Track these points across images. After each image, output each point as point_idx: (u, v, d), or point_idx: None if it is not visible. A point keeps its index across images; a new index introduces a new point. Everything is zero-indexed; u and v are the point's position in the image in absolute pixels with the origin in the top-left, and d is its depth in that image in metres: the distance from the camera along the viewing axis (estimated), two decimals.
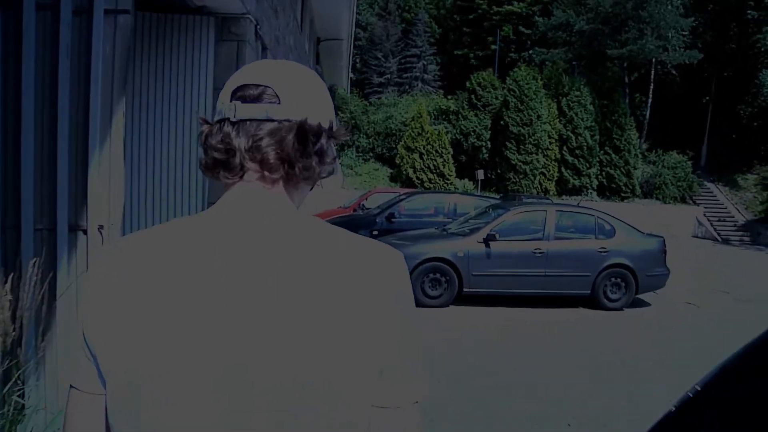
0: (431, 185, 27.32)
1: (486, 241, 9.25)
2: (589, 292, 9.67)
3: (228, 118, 0.95)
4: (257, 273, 0.87)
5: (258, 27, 9.29)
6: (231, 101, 0.96)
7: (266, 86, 0.95)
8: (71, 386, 0.94)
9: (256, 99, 0.95)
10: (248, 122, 0.94)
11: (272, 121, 0.94)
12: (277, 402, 0.83)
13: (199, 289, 0.86)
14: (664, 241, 10.34)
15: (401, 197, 13.46)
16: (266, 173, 0.94)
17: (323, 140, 0.97)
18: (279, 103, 0.94)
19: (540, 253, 9.40)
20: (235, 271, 0.87)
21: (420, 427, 0.95)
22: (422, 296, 9.05)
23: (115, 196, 3.94)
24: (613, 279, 9.73)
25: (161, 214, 7.98)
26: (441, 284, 9.14)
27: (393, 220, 12.22)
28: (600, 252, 9.66)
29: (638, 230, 10.37)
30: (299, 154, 0.94)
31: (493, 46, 49.04)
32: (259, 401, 0.83)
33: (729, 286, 13.20)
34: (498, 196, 23.95)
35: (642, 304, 10.32)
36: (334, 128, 1.00)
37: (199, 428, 0.83)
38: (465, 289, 9.20)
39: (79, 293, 1.15)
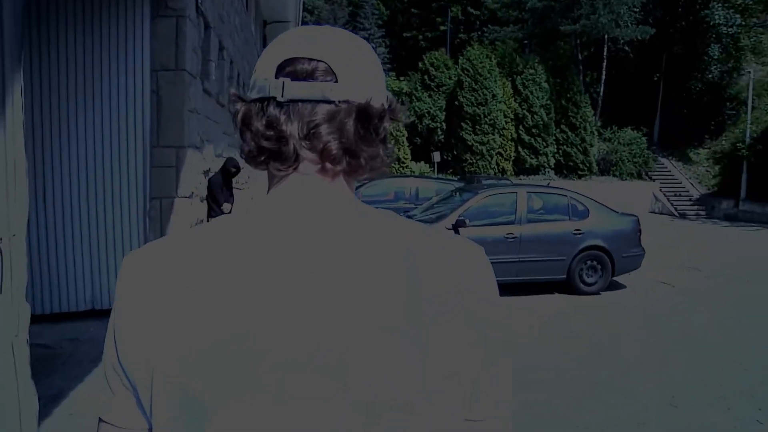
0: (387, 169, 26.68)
1: (455, 228, 8.61)
2: (564, 276, 9.16)
3: (274, 98, 0.80)
4: (333, 277, 0.74)
5: (199, 2, 8.44)
6: (277, 77, 0.80)
7: (320, 60, 0.80)
8: (102, 420, 0.82)
9: (310, 76, 0.80)
10: (300, 103, 0.80)
11: (329, 102, 0.79)
12: (358, 414, 0.72)
13: (269, 299, 0.74)
14: (638, 220, 9.89)
15: (358, 184, 12.75)
16: (328, 165, 0.80)
17: (386, 123, 0.84)
18: (336, 81, 0.80)
19: (512, 238, 8.82)
20: (309, 276, 0.75)
21: None
22: None
23: (19, 202, 3.15)
24: (588, 262, 9.23)
25: (91, 218, 7.11)
26: None
27: None
28: (575, 234, 9.14)
29: (612, 210, 9.89)
30: (363, 142, 0.81)
31: (442, 27, 48.83)
32: (341, 413, 0.72)
33: (697, 262, 13.09)
34: (456, 178, 23.45)
35: (618, 286, 9.86)
36: (394, 107, 0.85)
37: None
38: None
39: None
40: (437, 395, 0.75)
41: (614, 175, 30.07)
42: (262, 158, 0.82)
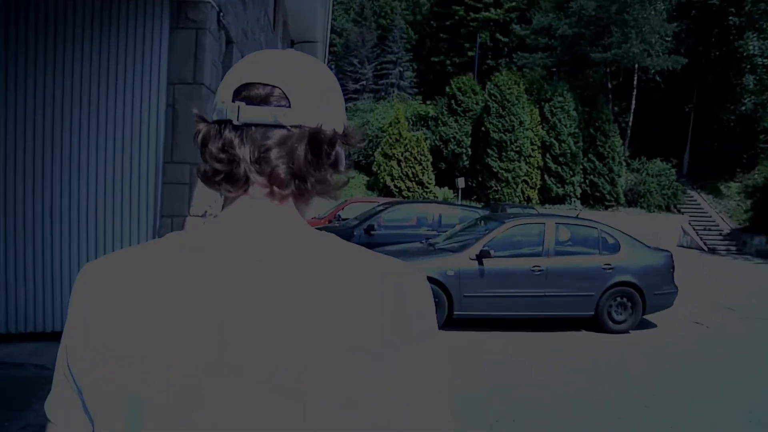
0: (410, 194, 26.25)
1: (479, 258, 8.20)
2: (592, 313, 8.67)
3: (230, 121, 0.83)
4: (267, 295, 0.77)
5: (221, 15, 8.18)
6: (233, 101, 0.83)
7: (275, 86, 0.83)
8: (49, 421, 0.87)
9: (264, 101, 0.83)
10: (254, 127, 0.83)
11: (281, 127, 0.83)
12: (283, 424, 0.75)
13: (204, 312, 0.77)
14: (671, 255, 9.39)
15: (381, 207, 12.34)
16: (275, 188, 0.83)
17: (338, 148, 0.88)
18: (289, 107, 0.83)
19: (539, 270, 8.38)
20: (245, 293, 0.77)
21: None
22: None
23: None
24: (618, 298, 8.74)
25: (99, 235, 6.83)
26: None
27: (372, 232, 11.08)
28: (604, 269, 8.67)
29: (644, 244, 9.41)
30: (312, 166, 0.84)
31: (470, 53, 48.80)
32: (268, 421, 0.75)
33: (731, 301, 12.52)
34: (480, 206, 23.02)
35: (648, 324, 9.34)
36: (349, 132, 0.91)
37: None
38: (456, 313, 8.14)
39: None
40: (387, 408, 0.78)
41: (642, 207, 29.42)
42: (216, 179, 0.84)
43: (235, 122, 0.82)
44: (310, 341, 0.75)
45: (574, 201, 28.58)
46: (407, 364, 0.79)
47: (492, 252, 8.12)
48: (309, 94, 0.84)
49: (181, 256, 0.80)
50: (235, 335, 0.75)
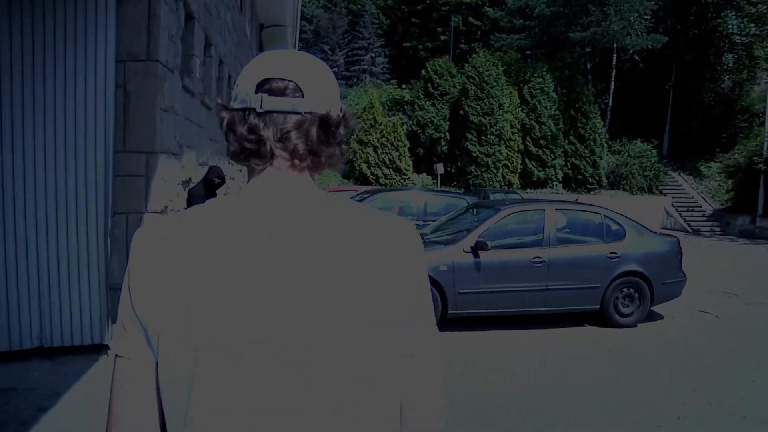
0: (387, 181, 25.37)
1: (474, 251, 7.39)
2: (597, 306, 7.93)
3: (254, 109, 1.04)
4: (299, 245, 0.98)
5: None
6: (256, 93, 1.05)
7: (290, 80, 1.06)
8: (118, 356, 1.02)
9: (282, 93, 1.05)
10: (275, 114, 1.05)
11: (297, 113, 1.05)
12: (323, 357, 0.94)
13: (250, 261, 0.96)
14: (678, 242, 8.68)
15: (360, 196, 11.46)
16: (296, 161, 1.06)
17: (342, 130, 1.10)
18: (303, 97, 1.05)
19: (540, 262, 7.60)
20: (281, 244, 0.98)
21: (442, 370, 1.14)
22: None
23: None
24: (625, 290, 8.01)
25: (40, 238, 5.84)
26: None
27: None
28: (610, 258, 7.92)
29: (649, 230, 8.68)
30: (324, 144, 1.07)
31: (443, 37, 48.16)
32: (310, 359, 0.94)
33: (730, 285, 11.99)
34: (460, 191, 22.26)
35: (654, 316, 8.64)
36: (347, 116, 1.12)
37: (257, 387, 0.93)
38: (450, 312, 7.34)
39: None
40: (387, 339, 1.00)
41: (624, 189, 28.89)
42: (244, 156, 1.06)
43: (259, 110, 1.04)
44: (332, 281, 0.97)
45: (556, 185, 27.95)
46: (411, 288, 1.04)
47: (488, 243, 7.30)
48: (317, 86, 1.07)
49: (227, 215, 1.01)
50: (272, 284, 0.96)
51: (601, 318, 8.01)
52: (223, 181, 7.90)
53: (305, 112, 1.04)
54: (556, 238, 7.85)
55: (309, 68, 1.08)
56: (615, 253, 7.94)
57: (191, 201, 7.68)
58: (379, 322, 0.98)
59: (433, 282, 7.19)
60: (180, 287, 0.94)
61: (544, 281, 7.61)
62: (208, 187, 7.79)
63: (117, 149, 5.99)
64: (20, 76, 5.61)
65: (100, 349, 5.87)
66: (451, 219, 9.05)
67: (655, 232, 8.74)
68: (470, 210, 9.09)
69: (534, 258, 7.60)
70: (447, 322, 7.39)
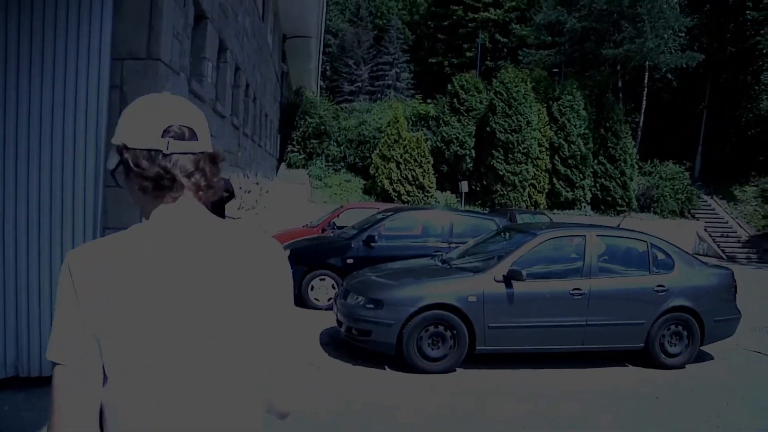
0: (409, 198, 24.60)
1: (507, 280, 6.61)
2: (642, 344, 7.11)
3: (160, 150, 1.31)
4: (206, 259, 1.30)
5: None
6: (163, 137, 1.32)
7: (188, 126, 1.35)
8: (58, 364, 1.24)
9: (183, 137, 1.34)
10: (179, 155, 1.33)
11: (195, 153, 1.35)
12: (212, 349, 1.27)
13: (171, 274, 1.27)
14: (732, 274, 7.85)
15: (382, 214, 10.72)
16: (200, 193, 1.37)
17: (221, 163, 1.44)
18: (197, 140, 1.36)
19: (580, 294, 6.79)
20: (194, 259, 1.30)
21: (302, 356, 1.50)
22: (418, 358, 6.40)
23: None
24: (672, 327, 7.18)
25: (20, 257, 5.12)
26: (445, 341, 6.48)
27: (372, 244, 9.47)
28: (657, 291, 7.09)
29: (700, 260, 7.84)
30: (214, 176, 1.40)
31: (469, 54, 47.69)
32: (200, 347, 1.26)
33: None
34: (485, 211, 21.45)
35: (703, 356, 7.77)
36: (219, 152, 1.44)
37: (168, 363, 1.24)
38: (478, 347, 6.56)
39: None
40: (260, 331, 1.34)
41: (655, 213, 27.81)
42: (158, 189, 1.32)
43: (165, 151, 1.31)
44: (221, 289, 1.29)
45: (584, 206, 26.98)
46: (277, 301, 1.38)
47: (523, 273, 6.52)
48: (204, 129, 1.40)
49: (151, 238, 1.30)
50: (178, 293, 1.26)
51: (645, 357, 7.19)
52: (232, 195, 7.21)
53: (199, 152, 1.36)
54: (598, 268, 7.05)
55: (198, 115, 1.40)
56: (662, 286, 7.12)
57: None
58: (255, 317, 1.32)
59: (460, 314, 6.44)
60: (116, 299, 1.22)
61: (583, 316, 6.81)
62: (216, 201, 7.08)
63: None
64: (3, 77, 4.99)
65: None
66: (480, 243, 8.27)
67: (707, 264, 7.89)
68: (503, 234, 8.31)
69: (573, 290, 6.80)
70: (474, 359, 6.62)
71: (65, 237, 5.12)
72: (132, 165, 1.29)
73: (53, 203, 5.07)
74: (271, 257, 1.38)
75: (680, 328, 7.20)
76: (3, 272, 5.03)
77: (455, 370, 6.55)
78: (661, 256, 7.44)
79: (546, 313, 6.73)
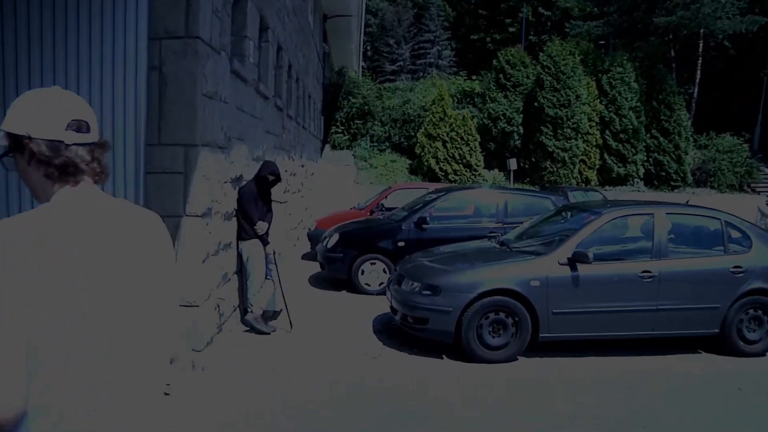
0: (456, 177, 24.12)
1: (571, 263, 6.18)
2: (717, 330, 6.59)
3: (62, 141, 1.47)
4: (110, 239, 1.46)
5: None
6: (66, 129, 1.48)
7: (84, 120, 1.52)
8: None
9: (81, 129, 1.50)
10: (78, 145, 1.50)
11: (92, 144, 1.53)
12: (131, 316, 1.45)
13: (79, 252, 1.39)
14: None
15: (432, 195, 10.32)
16: (97, 177, 1.54)
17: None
18: (90, 132, 1.53)
19: (650, 277, 6.32)
20: (99, 236, 1.44)
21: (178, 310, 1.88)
22: (478, 346, 6.03)
23: None
24: (751, 311, 6.64)
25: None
26: (507, 328, 6.09)
27: (424, 226, 9.09)
28: (733, 273, 6.56)
29: None
30: (104, 161, 1.57)
31: (511, 29, 46.53)
32: (123, 320, 1.43)
33: None
34: (535, 188, 20.85)
35: None
36: (107, 142, 1.61)
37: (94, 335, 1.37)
38: (542, 335, 6.16)
39: None
40: (164, 294, 1.56)
41: (711, 187, 26.79)
42: (62, 176, 1.48)
43: (67, 142, 1.47)
44: (130, 256, 1.48)
45: (637, 182, 26.12)
46: (170, 265, 1.62)
47: (589, 255, 6.07)
48: (94, 122, 1.55)
49: (60, 218, 1.42)
50: (95, 268, 1.40)
51: (720, 344, 6.67)
52: (278, 179, 6.93)
53: (95, 143, 1.54)
54: (668, 249, 6.55)
55: (89, 108, 1.56)
56: (739, 267, 6.58)
57: (242, 202, 6.76)
58: (156, 280, 1.53)
59: (522, 299, 6.05)
60: (37, 278, 1.30)
61: (653, 300, 6.33)
62: (262, 185, 6.84)
63: (149, 142, 5.08)
64: (39, 61, 4.77)
65: None
66: (539, 223, 7.82)
67: None
68: (562, 213, 7.85)
69: (642, 272, 6.32)
70: (537, 347, 6.23)
71: None
72: (37, 153, 1.45)
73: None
74: (158, 228, 1.61)
75: (760, 312, 6.65)
76: None
77: (516, 359, 6.17)
78: (736, 234, 6.90)
79: (613, 298, 6.28)
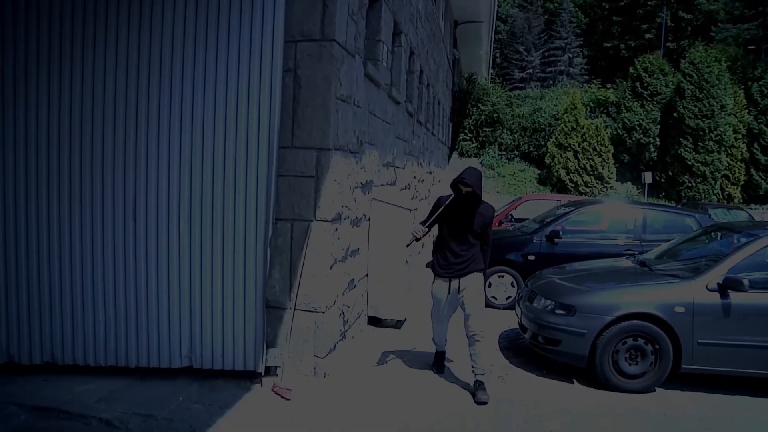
0: (587, 189, 23.18)
1: (723, 289, 5.61)
2: None
3: None
4: None
5: None
6: None
7: None
8: None
9: None
10: None
11: None
12: None
13: None
14: None
15: (565, 208, 9.85)
16: None
17: None
18: None
19: None
20: None
21: None
22: (613, 373, 5.60)
23: None
24: None
25: (194, 245, 4.98)
26: (645, 356, 5.62)
27: (556, 240, 8.65)
28: None
29: None
30: None
31: (647, 35, 44.52)
32: None
33: None
34: (673, 205, 19.62)
35: None
36: None
37: None
38: (684, 366, 5.63)
39: None
40: None
41: None
42: None
43: None
44: None
45: None
46: None
47: (745, 282, 5.48)
48: None
49: None
50: None
51: None
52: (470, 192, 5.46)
53: None
54: None
55: None
56: None
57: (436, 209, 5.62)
58: None
59: (664, 326, 5.56)
60: None
61: None
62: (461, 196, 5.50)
63: (283, 145, 5.07)
64: (169, 64, 4.86)
65: (253, 377, 5.02)
66: (683, 243, 7.23)
67: None
68: (710, 233, 7.21)
69: None
70: (677, 378, 5.71)
71: (237, 228, 4.91)
72: None
73: (225, 193, 4.88)
74: None
75: None
76: (178, 265, 4.93)
77: (654, 390, 5.68)
78: None
79: None
